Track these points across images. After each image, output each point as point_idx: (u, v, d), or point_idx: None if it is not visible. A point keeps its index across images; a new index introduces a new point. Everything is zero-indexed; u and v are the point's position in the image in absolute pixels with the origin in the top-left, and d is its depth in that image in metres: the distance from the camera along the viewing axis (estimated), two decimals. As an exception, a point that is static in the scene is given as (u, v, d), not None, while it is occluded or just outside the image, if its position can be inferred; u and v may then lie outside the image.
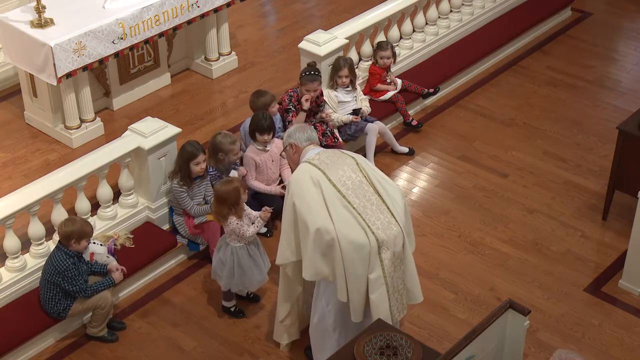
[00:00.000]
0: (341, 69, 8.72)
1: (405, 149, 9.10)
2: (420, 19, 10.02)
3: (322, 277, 6.31)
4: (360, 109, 8.86)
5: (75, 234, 6.79)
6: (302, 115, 8.42)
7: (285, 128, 8.54)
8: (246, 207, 7.12)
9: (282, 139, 8.33)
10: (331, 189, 6.17)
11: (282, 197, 8.06)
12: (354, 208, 6.14)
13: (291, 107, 8.50)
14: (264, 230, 8.00)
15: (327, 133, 8.53)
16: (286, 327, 6.91)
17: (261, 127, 7.92)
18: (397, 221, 6.20)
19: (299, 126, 6.72)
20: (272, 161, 8.11)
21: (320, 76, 8.48)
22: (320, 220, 6.11)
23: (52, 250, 7.00)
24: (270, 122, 7.96)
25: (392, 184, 6.42)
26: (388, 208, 6.22)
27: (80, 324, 7.30)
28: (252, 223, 7.11)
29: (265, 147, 8.02)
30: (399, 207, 6.27)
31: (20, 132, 9.14)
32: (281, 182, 8.22)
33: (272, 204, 7.46)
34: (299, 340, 7.10)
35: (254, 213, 7.18)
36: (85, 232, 6.84)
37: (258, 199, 7.97)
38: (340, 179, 6.22)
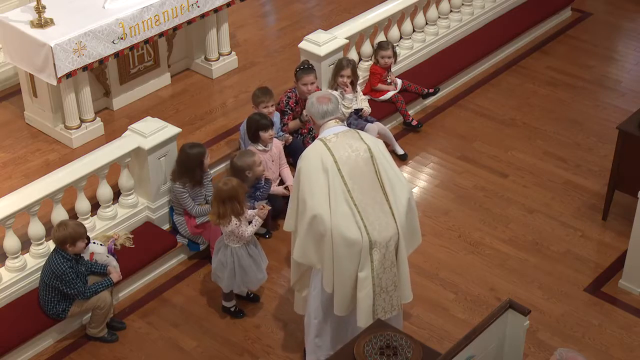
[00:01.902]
0: (344, 68, 8.71)
1: (401, 151, 9.08)
2: (420, 19, 10.02)
3: (309, 262, 6.34)
4: (362, 109, 8.85)
5: (68, 238, 6.77)
6: (297, 120, 8.54)
7: (282, 129, 8.56)
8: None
9: (280, 139, 8.39)
10: (338, 180, 6.11)
11: (283, 197, 8.08)
12: (355, 205, 6.12)
13: (287, 110, 8.53)
14: (262, 231, 8.01)
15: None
16: (304, 299, 6.78)
17: (263, 125, 7.93)
18: (395, 222, 6.19)
19: (318, 97, 6.39)
20: (272, 161, 8.12)
21: (315, 70, 8.50)
22: (319, 207, 6.10)
23: (50, 252, 6.99)
24: (269, 119, 7.99)
25: (401, 181, 6.33)
26: (390, 207, 6.20)
27: (79, 324, 7.30)
28: (250, 222, 7.11)
29: (266, 146, 8.02)
30: (401, 207, 6.25)
31: (20, 132, 9.14)
32: (282, 182, 8.22)
33: (273, 204, 7.44)
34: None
35: (251, 212, 7.18)
36: (78, 235, 6.80)
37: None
38: (349, 172, 6.14)
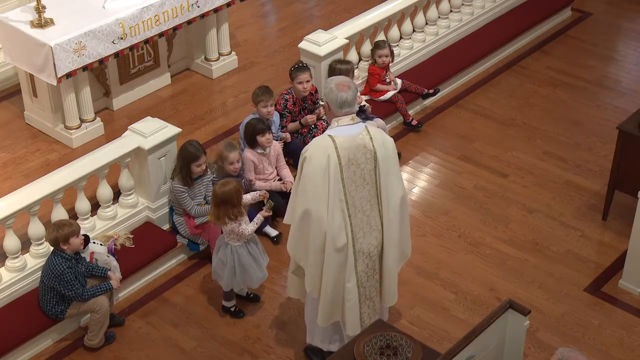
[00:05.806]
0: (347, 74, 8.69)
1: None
2: (420, 19, 10.02)
3: (296, 257, 6.37)
4: (364, 105, 8.83)
5: (60, 237, 6.74)
6: (297, 123, 8.56)
7: (281, 130, 8.56)
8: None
9: (278, 140, 8.38)
10: (339, 187, 6.07)
11: (279, 192, 8.04)
12: (349, 214, 6.12)
13: (286, 112, 8.53)
14: (274, 233, 7.99)
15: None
16: (298, 283, 6.70)
17: (260, 130, 7.90)
18: (382, 231, 6.23)
19: (337, 83, 6.09)
20: (269, 163, 8.11)
21: (309, 68, 8.51)
22: (316, 208, 6.07)
23: (50, 252, 6.98)
24: (266, 123, 7.98)
25: (397, 188, 6.26)
26: (380, 216, 6.23)
27: (79, 325, 7.30)
28: (251, 221, 7.10)
29: (264, 149, 8.00)
30: (393, 216, 6.24)
31: (20, 132, 9.14)
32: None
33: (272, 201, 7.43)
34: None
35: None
36: (69, 233, 6.75)
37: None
38: (351, 177, 6.09)
